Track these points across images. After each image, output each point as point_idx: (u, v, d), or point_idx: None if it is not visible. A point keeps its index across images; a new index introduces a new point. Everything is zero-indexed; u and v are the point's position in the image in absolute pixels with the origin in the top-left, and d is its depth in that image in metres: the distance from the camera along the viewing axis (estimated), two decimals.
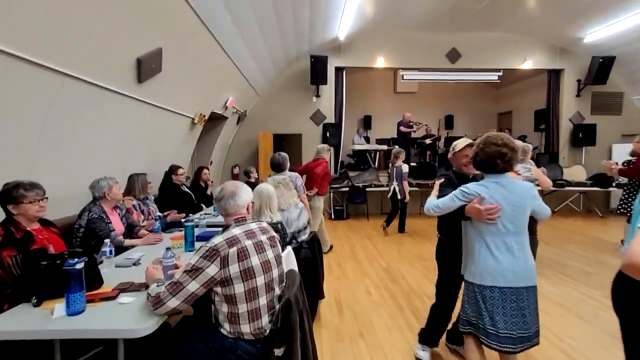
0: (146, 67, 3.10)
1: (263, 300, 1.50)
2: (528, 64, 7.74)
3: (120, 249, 2.47)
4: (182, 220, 3.11)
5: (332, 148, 7.75)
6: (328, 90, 7.69)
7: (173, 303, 1.37)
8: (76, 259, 1.40)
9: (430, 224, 6.53)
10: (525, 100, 9.85)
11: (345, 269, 4.06)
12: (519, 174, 3.56)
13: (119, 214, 2.71)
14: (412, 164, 8.54)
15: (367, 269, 4.05)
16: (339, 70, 7.70)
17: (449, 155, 2.15)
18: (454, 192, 1.77)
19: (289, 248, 2.27)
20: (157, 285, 1.45)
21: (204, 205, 4.29)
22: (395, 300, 3.17)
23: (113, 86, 2.82)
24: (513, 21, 7.03)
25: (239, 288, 1.43)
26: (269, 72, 6.91)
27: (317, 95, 7.69)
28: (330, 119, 7.77)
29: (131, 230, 2.83)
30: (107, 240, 2.00)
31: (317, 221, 4.39)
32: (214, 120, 6.37)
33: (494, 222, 1.65)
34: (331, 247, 4.83)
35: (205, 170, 4.84)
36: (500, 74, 7.86)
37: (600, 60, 7.27)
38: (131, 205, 3.06)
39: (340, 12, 5.79)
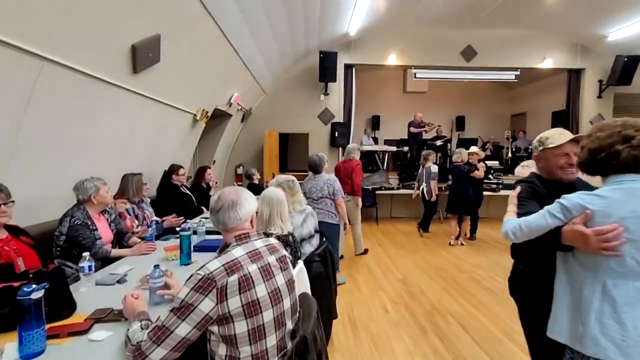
0: (142, 56, 2.79)
1: (272, 340, 1.18)
2: (547, 63, 7.36)
3: (107, 260, 2.17)
4: (178, 228, 2.80)
5: (343, 147, 7.43)
6: (337, 88, 7.36)
7: (158, 354, 1.04)
8: (33, 286, 1.08)
9: (443, 230, 6.18)
10: (541, 101, 9.47)
11: (358, 281, 3.73)
12: None
13: (107, 220, 2.40)
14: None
15: (381, 281, 3.72)
16: (348, 67, 7.38)
17: (535, 152, 1.51)
18: (547, 207, 1.16)
19: (300, 264, 1.94)
20: (141, 328, 1.12)
21: (205, 208, 3.97)
22: (416, 320, 2.84)
23: (104, 75, 2.52)
24: (532, 18, 6.66)
25: (240, 327, 1.11)
26: (276, 68, 6.60)
27: (326, 93, 7.37)
28: (339, 118, 7.44)
29: (122, 238, 2.52)
30: (86, 254, 1.69)
31: (358, 220, 4.44)
32: (218, 118, 6.07)
33: (616, 255, 1.01)
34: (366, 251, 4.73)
35: (209, 170, 4.53)
36: (518, 73, 7.49)
37: (625, 59, 6.88)
38: (124, 209, 2.75)
39: (352, 6, 5.47)
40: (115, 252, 2.21)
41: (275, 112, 7.40)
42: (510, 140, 8.76)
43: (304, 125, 7.49)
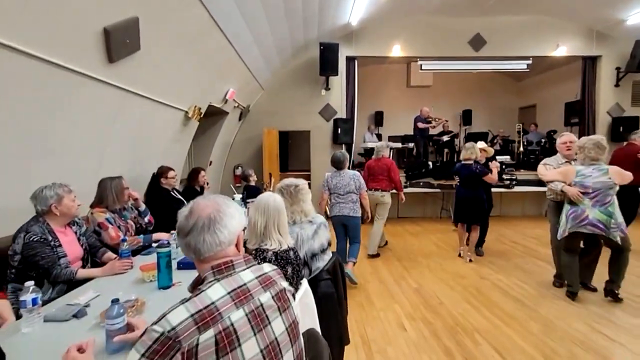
0: (118, 42, 2.43)
1: None
2: (561, 51, 6.95)
3: (75, 282, 1.81)
4: (155, 244, 2.44)
5: (346, 145, 7.08)
6: (339, 82, 6.98)
7: None
8: None
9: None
10: (552, 92, 9.06)
11: (369, 292, 3.35)
12: (582, 192, 2.82)
13: (77, 233, 2.04)
14: (429, 162, 7.89)
15: (394, 291, 3.34)
16: (350, 60, 6.99)
17: None
18: None
19: (304, 285, 1.58)
20: None
21: None
22: (439, 339, 2.46)
23: (72, 64, 2.15)
24: (545, 3, 6.26)
25: None
26: (273, 62, 6.23)
27: (327, 88, 7.00)
28: (342, 113, 7.06)
29: (95, 254, 2.15)
30: (29, 284, 1.31)
31: (385, 216, 4.52)
32: (213, 116, 5.71)
33: None
34: (386, 242, 4.91)
35: (203, 172, 4.16)
36: (530, 62, 7.09)
37: None
38: (104, 219, 2.39)
39: None
40: (83, 273, 1.84)
41: (274, 109, 7.03)
42: (522, 133, 8.37)
43: (304, 122, 7.11)
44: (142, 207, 2.80)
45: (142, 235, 2.60)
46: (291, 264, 1.53)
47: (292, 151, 9.90)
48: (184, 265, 1.94)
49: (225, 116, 5.82)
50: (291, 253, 1.57)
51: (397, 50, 6.90)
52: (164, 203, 3.36)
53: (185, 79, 3.80)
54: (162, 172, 3.45)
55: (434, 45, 6.93)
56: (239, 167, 7.04)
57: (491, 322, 2.69)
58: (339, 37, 6.64)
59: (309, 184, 7.50)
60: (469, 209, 4.10)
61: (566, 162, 3.15)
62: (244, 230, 1.02)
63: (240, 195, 4.03)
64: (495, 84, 10.29)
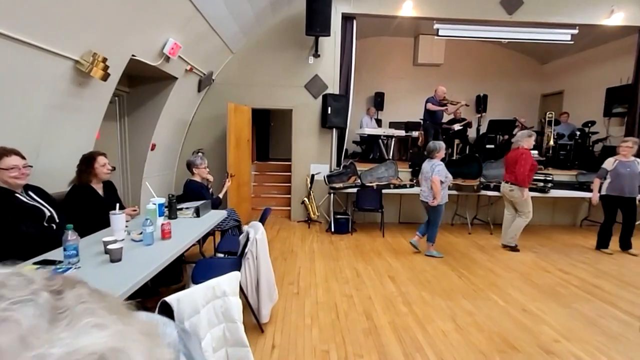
0: None
1: None
2: (616, 18, 5.45)
3: None
4: None
5: (338, 129, 5.56)
6: (331, 47, 5.42)
7: None
8: None
9: (472, 243, 4.37)
10: (586, 76, 7.61)
11: None
12: None
13: None
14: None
15: None
16: (347, 19, 5.41)
17: None
18: None
19: None
20: None
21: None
22: None
23: None
24: None
25: None
26: (245, 14, 4.62)
27: (316, 55, 5.43)
28: (333, 89, 5.52)
29: None
30: None
31: (526, 212, 4.23)
32: (154, 82, 4.16)
33: None
34: (516, 247, 4.32)
35: (103, 159, 2.63)
36: (576, 31, 5.57)
37: None
38: None
39: None
40: None
41: (247, 80, 5.48)
42: (552, 124, 6.90)
43: (286, 98, 5.57)
44: None
45: None
46: None
47: (275, 135, 8.38)
48: None
49: (173, 83, 4.25)
50: None
51: (407, 9, 5.32)
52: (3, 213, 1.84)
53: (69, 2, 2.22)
54: None
55: (456, 4, 5.37)
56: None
57: None
58: None
59: (289, 178, 5.77)
60: None
61: None
62: None
63: (162, 200, 2.51)
64: (515, 66, 8.82)
